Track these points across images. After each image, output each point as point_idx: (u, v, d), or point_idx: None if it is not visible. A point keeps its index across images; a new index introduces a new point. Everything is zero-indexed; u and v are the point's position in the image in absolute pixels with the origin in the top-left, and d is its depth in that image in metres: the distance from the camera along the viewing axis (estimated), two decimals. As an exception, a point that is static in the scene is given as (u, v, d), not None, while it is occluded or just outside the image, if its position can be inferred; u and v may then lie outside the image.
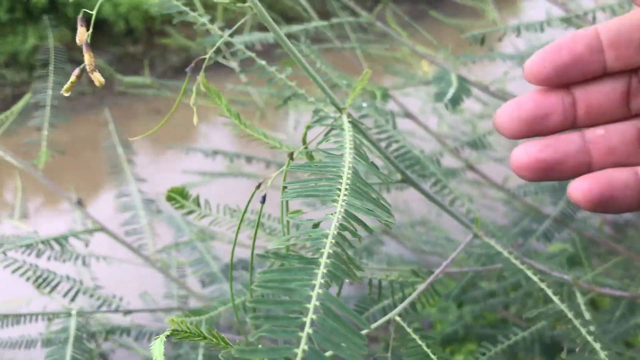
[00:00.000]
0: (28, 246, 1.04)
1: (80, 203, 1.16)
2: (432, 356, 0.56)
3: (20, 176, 1.28)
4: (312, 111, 0.62)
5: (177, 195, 0.73)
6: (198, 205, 0.75)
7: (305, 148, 0.53)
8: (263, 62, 0.64)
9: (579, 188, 0.41)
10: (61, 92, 0.49)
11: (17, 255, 1.07)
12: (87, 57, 0.49)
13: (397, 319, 0.59)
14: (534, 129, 0.43)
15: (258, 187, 0.54)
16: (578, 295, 0.72)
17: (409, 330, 0.58)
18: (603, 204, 0.41)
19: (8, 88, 6.00)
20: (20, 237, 1.14)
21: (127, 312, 1.10)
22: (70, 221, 1.40)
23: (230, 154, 1.49)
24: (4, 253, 1.04)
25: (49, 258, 1.09)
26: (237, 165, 1.65)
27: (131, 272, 1.47)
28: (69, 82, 0.49)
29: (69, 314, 1.01)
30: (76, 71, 0.50)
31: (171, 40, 1.66)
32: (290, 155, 0.52)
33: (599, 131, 0.43)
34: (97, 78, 0.48)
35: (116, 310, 1.10)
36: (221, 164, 1.68)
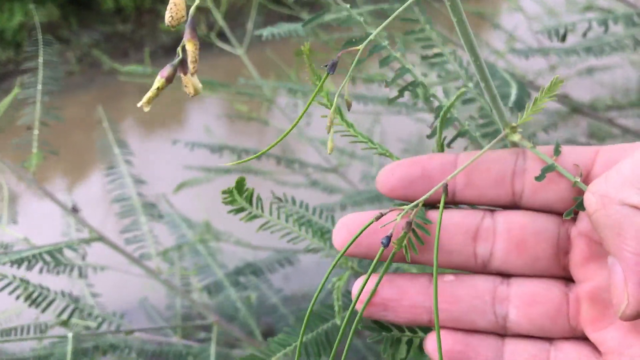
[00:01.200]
0: (17, 261, 0.93)
1: (75, 209, 1.05)
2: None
3: (9, 177, 1.16)
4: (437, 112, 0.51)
5: (235, 190, 0.59)
6: (250, 202, 0.59)
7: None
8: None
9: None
10: (139, 105, 0.33)
11: (4, 268, 0.96)
12: (191, 49, 0.33)
13: None
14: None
15: (379, 217, 0.44)
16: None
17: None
18: None
19: (-5, 66, 5.85)
20: (9, 247, 1.03)
21: (129, 333, 1.00)
22: (65, 224, 1.29)
23: (239, 149, 1.38)
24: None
25: (40, 271, 0.99)
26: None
27: (131, 279, 1.37)
28: (151, 91, 0.33)
29: (64, 338, 0.90)
30: (165, 72, 0.33)
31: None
32: (446, 188, 0.44)
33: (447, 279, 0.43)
34: (194, 85, 0.34)
35: (117, 331, 0.99)
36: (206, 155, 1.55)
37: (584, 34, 0.84)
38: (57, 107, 1.05)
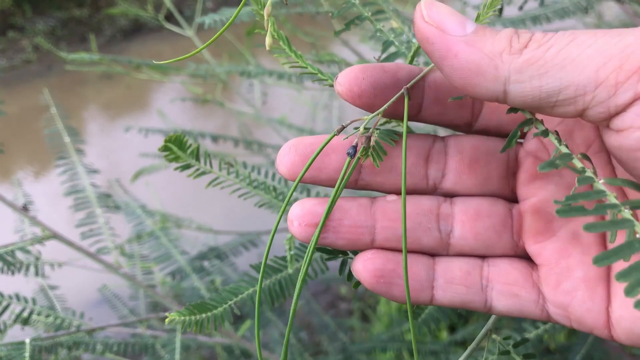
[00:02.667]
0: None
1: (25, 208, 1.02)
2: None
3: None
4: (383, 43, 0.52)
5: (174, 146, 0.58)
6: (197, 158, 0.60)
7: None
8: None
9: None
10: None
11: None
12: None
13: (495, 337, 0.49)
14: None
15: (339, 130, 0.42)
16: None
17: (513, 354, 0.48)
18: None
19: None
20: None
21: (90, 332, 0.98)
22: (18, 219, 1.24)
23: (195, 133, 1.35)
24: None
25: (-7, 272, 0.96)
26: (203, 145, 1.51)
27: (92, 272, 1.34)
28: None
29: (22, 344, 0.88)
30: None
31: (119, 11, 1.48)
32: (407, 91, 0.43)
33: (389, 198, 0.43)
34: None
35: (77, 331, 0.97)
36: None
37: (520, 7, 0.83)
38: (1, 101, 1.01)
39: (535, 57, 0.34)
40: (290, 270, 0.63)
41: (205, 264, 1.31)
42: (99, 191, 1.12)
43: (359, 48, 1.40)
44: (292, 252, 0.63)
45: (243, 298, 0.63)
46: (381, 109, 0.41)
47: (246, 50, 1.46)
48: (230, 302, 0.62)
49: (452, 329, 2.07)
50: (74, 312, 1.02)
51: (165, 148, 0.58)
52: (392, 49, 0.54)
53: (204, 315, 0.60)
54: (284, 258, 0.64)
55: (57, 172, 1.14)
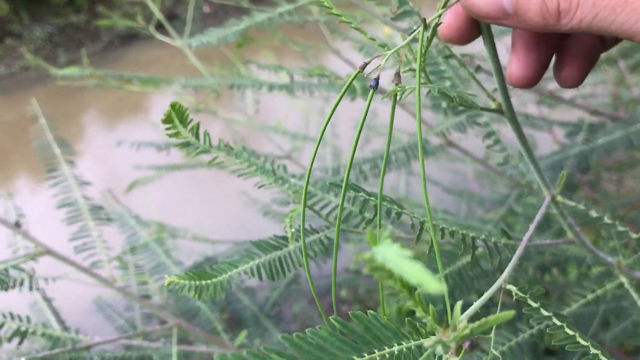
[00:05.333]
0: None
1: (18, 225, 1.02)
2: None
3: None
4: None
5: (177, 118, 0.57)
6: (197, 136, 0.59)
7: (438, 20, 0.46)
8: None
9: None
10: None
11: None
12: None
13: (510, 287, 0.51)
14: None
15: (363, 67, 0.42)
16: None
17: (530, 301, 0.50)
18: None
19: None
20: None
21: (86, 349, 0.98)
22: (10, 234, 1.21)
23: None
24: None
25: (-14, 290, 0.96)
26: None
27: (86, 286, 1.34)
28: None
29: (16, 366, 0.88)
30: None
31: (108, 22, 1.48)
32: (424, 22, 0.44)
33: None
34: None
35: (73, 350, 0.97)
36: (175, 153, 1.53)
37: None
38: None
39: None
40: (291, 247, 0.64)
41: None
42: (91, 203, 1.10)
43: (350, 56, 1.40)
44: (292, 230, 0.63)
45: (240, 270, 0.62)
46: (407, 40, 0.43)
47: (237, 60, 1.46)
48: (230, 273, 0.61)
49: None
50: (68, 329, 1.01)
51: (167, 119, 0.57)
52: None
53: (203, 282, 0.60)
54: (284, 237, 0.64)
55: (49, 185, 1.13)
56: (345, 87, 0.43)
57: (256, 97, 1.62)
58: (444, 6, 0.46)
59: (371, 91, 0.42)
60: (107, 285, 1.09)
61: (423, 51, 0.42)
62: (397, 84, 0.42)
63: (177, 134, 0.58)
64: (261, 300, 1.45)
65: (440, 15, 0.45)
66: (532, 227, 0.59)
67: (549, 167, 1.02)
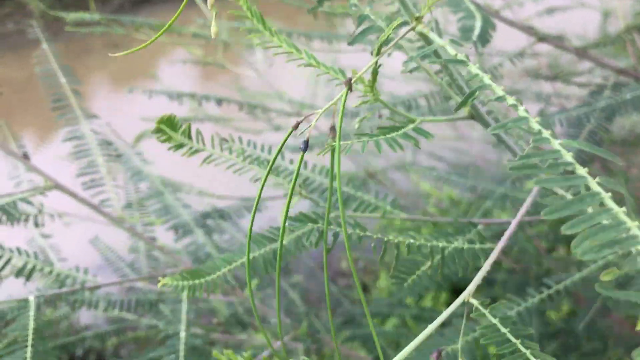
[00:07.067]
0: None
1: (26, 156, 1.01)
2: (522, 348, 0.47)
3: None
4: (358, 17, 0.55)
5: (166, 127, 0.60)
6: (189, 137, 0.62)
7: (376, 65, 0.47)
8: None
9: None
10: None
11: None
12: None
13: (473, 301, 0.50)
14: None
15: (295, 127, 0.44)
16: None
17: (489, 316, 0.49)
18: None
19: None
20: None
21: (94, 289, 0.98)
22: (12, 166, 1.17)
23: (199, 96, 1.34)
24: None
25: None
26: (205, 108, 1.50)
27: (89, 226, 1.34)
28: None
29: (25, 302, 0.87)
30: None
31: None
32: (349, 83, 0.45)
33: None
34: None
35: (81, 289, 0.96)
36: (186, 107, 1.52)
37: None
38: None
39: None
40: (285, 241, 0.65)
41: (209, 222, 1.28)
42: (99, 138, 1.06)
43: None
44: (286, 224, 0.64)
45: (235, 266, 0.64)
46: (326, 107, 0.44)
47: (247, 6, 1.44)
48: (224, 270, 0.63)
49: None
50: (78, 269, 1.00)
51: (157, 130, 0.59)
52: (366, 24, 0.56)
53: (196, 281, 0.62)
54: (279, 228, 0.65)
55: (56, 116, 1.08)
56: (280, 145, 0.46)
57: (267, 54, 1.61)
58: (377, 53, 0.46)
59: (301, 153, 0.44)
60: (117, 225, 1.07)
61: (344, 112, 0.44)
62: (332, 138, 0.43)
63: (169, 139, 0.60)
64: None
65: (374, 65, 0.45)
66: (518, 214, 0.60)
67: (574, 122, 0.98)
